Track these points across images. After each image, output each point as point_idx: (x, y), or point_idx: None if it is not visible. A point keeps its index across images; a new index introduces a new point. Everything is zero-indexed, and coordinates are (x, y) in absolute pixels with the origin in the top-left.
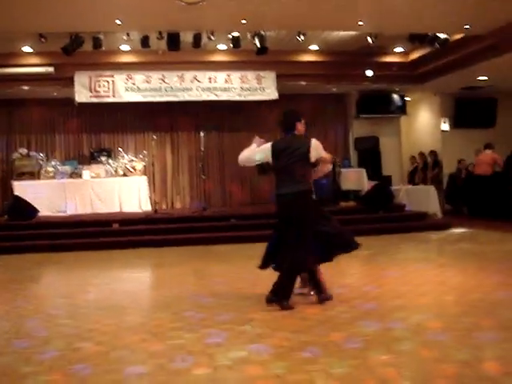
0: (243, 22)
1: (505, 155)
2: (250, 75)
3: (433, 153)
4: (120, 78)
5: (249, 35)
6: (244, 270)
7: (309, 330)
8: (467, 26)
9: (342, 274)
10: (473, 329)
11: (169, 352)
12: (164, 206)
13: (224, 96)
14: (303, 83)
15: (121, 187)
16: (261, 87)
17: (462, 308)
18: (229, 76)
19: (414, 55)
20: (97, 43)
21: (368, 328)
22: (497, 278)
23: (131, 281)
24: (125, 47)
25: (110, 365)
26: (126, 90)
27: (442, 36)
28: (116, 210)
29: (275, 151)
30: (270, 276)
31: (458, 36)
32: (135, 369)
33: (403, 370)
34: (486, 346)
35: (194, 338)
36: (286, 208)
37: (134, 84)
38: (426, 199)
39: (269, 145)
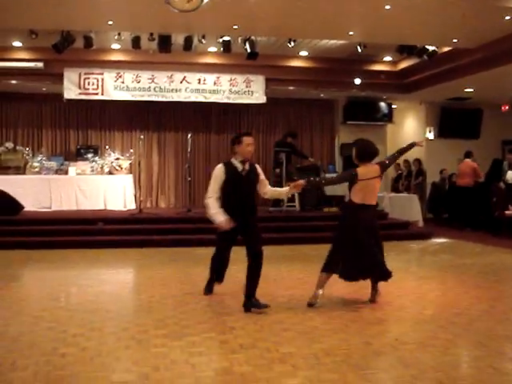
0: (235, 27)
1: (488, 167)
2: (240, 78)
3: (417, 161)
4: (109, 76)
5: (239, 39)
6: (227, 274)
7: (290, 342)
8: (455, 40)
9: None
10: (449, 346)
11: (153, 360)
12: (148, 205)
13: (213, 98)
14: (292, 88)
15: (106, 185)
16: (249, 90)
17: (440, 323)
18: (218, 78)
19: (403, 65)
20: (88, 42)
21: (347, 341)
22: (475, 293)
23: (115, 282)
24: (115, 46)
25: (96, 372)
26: (115, 88)
27: (431, 48)
28: (101, 207)
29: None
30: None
31: (447, 49)
32: (120, 377)
33: None
34: (460, 364)
35: (178, 346)
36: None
37: (123, 82)
38: (408, 207)
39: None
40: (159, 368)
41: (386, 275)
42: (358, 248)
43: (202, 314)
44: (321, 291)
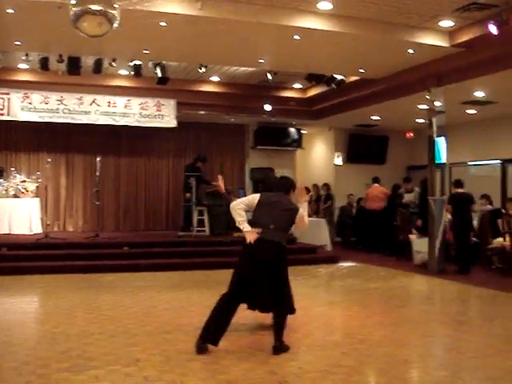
0: (145, 51)
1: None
2: (150, 102)
3: (326, 186)
4: (16, 97)
5: (150, 64)
6: (133, 302)
7: (195, 373)
8: (362, 70)
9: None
10: (351, 373)
11: None
12: (56, 229)
13: (123, 121)
14: (203, 113)
15: (11, 208)
16: (160, 114)
17: (343, 350)
18: (129, 101)
19: (312, 92)
20: None
21: (253, 371)
22: (377, 318)
23: (18, 312)
24: (23, 65)
25: None
26: (22, 109)
27: (339, 77)
28: (5, 231)
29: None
30: (157, 312)
31: (354, 78)
32: None
33: None
34: None
35: (80, 380)
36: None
37: (30, 103)
38: (317, 232)
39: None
40: None
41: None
42: None
43: (107, 344)
44: None
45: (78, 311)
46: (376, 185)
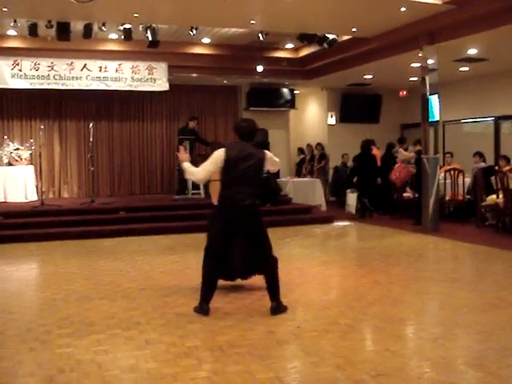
0: (135, 15)
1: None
2: (142, 65)
3: (319, 145)
4: (6, 64)
5: (141, 27)
6: (130, 266)
7: (195, 335)
8: (354, 29)
9: None
10: (348, 331)
11: (58, 362)
12: (51, 196)
13: (114, 86)
14: (195, 75)
15: (6, 176)
16: (152, 78)
17: (340, 309)
18: (120, 66)
19: (304, 52)
20: None
21: (251, 331)
22: (373, 277)
23: (17, 280)
24: (11, 32)
25: None
26: (13, 76)
27: (331, 36)
28: (0, 200)
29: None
30: (154, 276)
31: (346, 37)
32: (23, 381)
33: (282, 375)
34: (358, 348)
35: (83, 345)
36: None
37: (20, 70)
38: (311, 192)
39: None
40: (64, 370)
41: None
42: None
43: (106, 309)
44: None
45: (76, 277)
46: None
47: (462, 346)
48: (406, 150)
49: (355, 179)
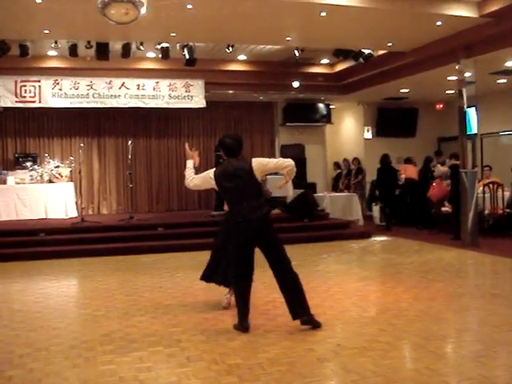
0: (172, 34)
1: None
2: (179, 83)
3: (356, 160)
4: (47, 84)
5: (178, 46)
6: (170, 283)
7: (236, 352)
8: (390, 44)
9: (265, 287)
10: (388, 349)
11: (101, 378)
12: (90, 212)
13: (152, 103)
14: (231, 92)
15: (47, 193)
16: (189, 95)
17: (380, 326)
18: (157, 83)
19: (339, 67)
20: (24, 50)
21: (292, 349)
22: (413, 293)
23: (59, 296)
24: (52, 53)
25: None
26: (53, 95)
27: (367, 51)
28: (41, 216)
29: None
30: (194, 292)
31: (382, 52)
32: None
33: None
34: (399, 367)
35: (125, 362)
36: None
37: (60, 90)
38: (348, 207)
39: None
40: None
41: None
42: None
43: (148, 326)
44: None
45: (117, 293)
46: (410, 165)
47: (503, 364)
48: (443, 163)
49: (377, 192)
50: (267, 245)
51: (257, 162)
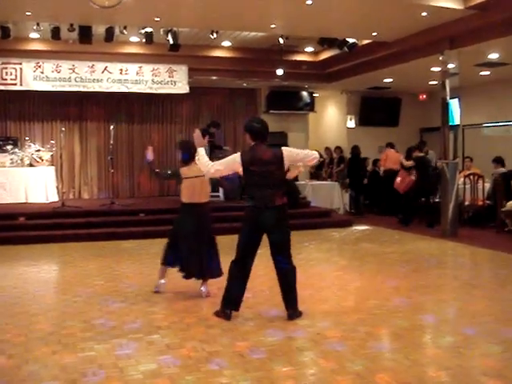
0: (156, 19)
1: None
2: (162, 68)
3: (338, 149)
4: (28, 66)
5: (162, 31)
6: (151, 269)
7: (215, 340)
8: (375, 34)
9: None
10: (368, 338)
11: (80, 365)
12: (71, 196)
13: (135, 88)
14: (215, 78)
15: (27, 177)
16: (172, 81)
17: (360, 316)
18: (140, 68)
19: (324, 55)
20: (5, 32)
21: (271, 337)
22: (393, 283)
23: (39, 282)
24: (34, 35)
25: (23, 381)
26: (35, 78)
27: (351, 40)
28: (22, 200)
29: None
30: (175, 279)
31: (366, 41)
32: None
33: (302, 382)
34: (378, 356)
35: (105, 349)
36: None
37: (42, 73)
38: (330, 195)
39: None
40: (87, 374)
41: (203, 274)
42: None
43: (128, 313)
44: (162, 281)
45: (97, 279)
46: (392, 150)
47: (481, 355)
48: (426, 153)
49: (348, 180)
50: (275, 236)
51: (288, 151)
